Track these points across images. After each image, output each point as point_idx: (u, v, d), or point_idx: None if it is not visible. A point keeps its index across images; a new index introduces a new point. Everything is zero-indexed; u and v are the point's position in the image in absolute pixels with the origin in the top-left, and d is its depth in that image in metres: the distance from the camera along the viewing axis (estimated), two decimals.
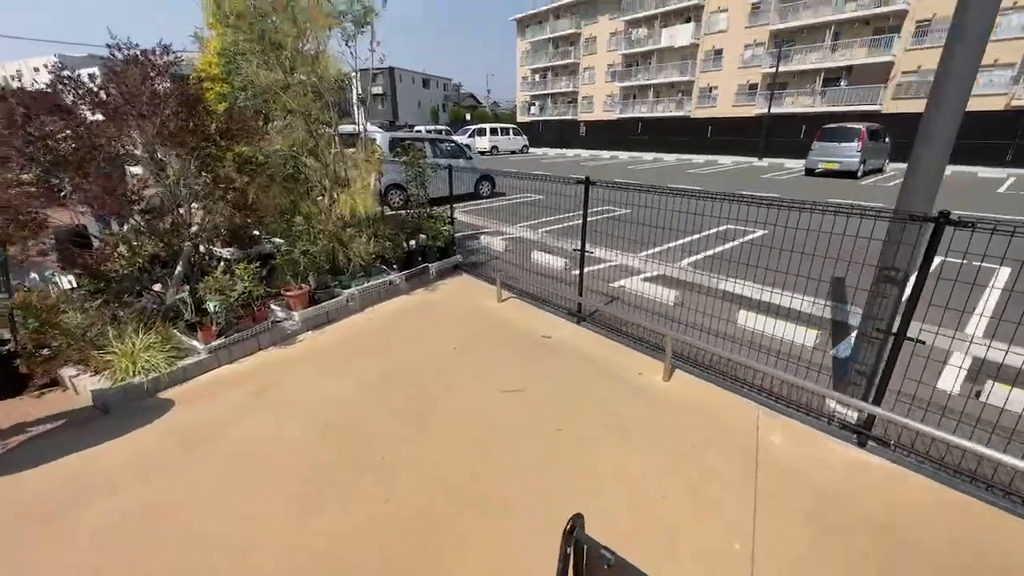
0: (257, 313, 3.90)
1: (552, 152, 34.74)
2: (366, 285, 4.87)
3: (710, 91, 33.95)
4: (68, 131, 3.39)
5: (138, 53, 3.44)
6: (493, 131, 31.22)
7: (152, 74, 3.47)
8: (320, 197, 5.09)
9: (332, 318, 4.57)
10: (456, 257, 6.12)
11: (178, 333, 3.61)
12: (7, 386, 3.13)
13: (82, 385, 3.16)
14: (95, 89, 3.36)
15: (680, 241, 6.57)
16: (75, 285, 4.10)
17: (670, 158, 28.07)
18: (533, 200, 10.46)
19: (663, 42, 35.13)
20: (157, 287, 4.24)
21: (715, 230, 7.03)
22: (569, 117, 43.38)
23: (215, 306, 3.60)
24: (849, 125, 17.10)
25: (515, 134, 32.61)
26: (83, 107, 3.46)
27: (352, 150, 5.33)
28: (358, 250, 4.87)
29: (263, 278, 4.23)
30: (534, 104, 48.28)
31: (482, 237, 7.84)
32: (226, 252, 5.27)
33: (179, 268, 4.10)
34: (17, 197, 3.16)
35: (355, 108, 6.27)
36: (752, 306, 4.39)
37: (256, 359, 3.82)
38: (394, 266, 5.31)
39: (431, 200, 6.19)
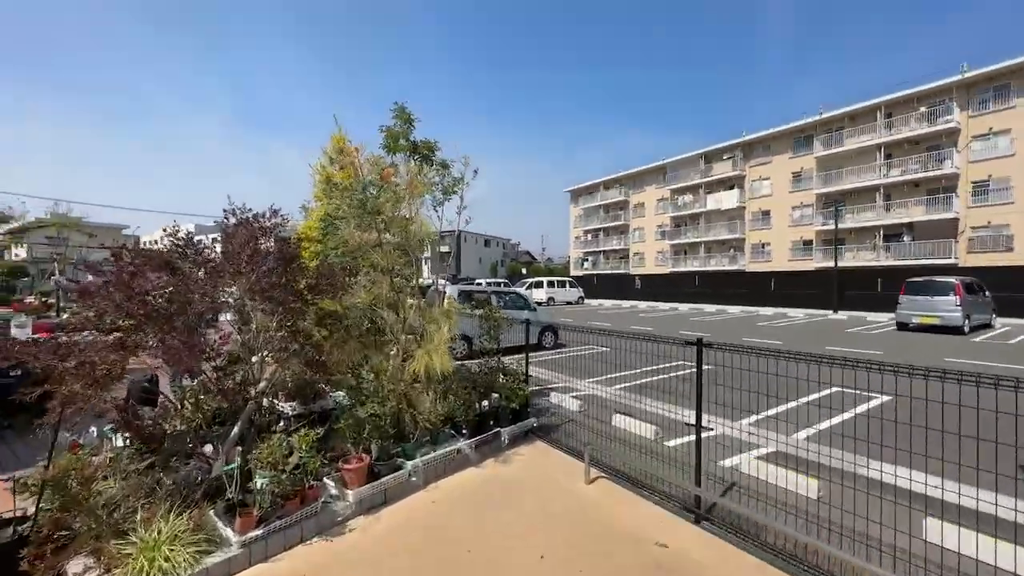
0: (308, 491, 3.27)
1: (608, 303, 35.27)
2: (432, 455, 4.18)
3: (763, 247, 34.56)
4: (170, 287, 3.42)
5: (249, 216, 3.60)
6: (550, 283, 32.61)
7: (258, 234, 3.58)
8: (393, 351, 4.80)
9: (390, 496, 3.82)
10: (531, 421, 5.38)
11: (214, 517, 2.99)
12: None
13: None
14: (200, 247, 3.46)
15: (781, 408, 5.51)
16: (126, 443, 3.76)
17: (734, 310, 27.30)
18: (599, 352, 9.88)
19: (709, 206, 37.50)
20: (208, 449, 3.80)
21: (818, 395, 5.93)
22: (622, 271, 45.11)
23: (264, 483, 3.02)
24: (939, 279, 16.02)
25: (571, 286, 33.82)
26: (188, 265, 3.55)
27: (416, 301, 5.21)
28: (427, 411, 4.33)
29: (321, 444, 3.70)
30: (587, 259, 51.17)
31: (551, 394, 7.14)
32: (288, 407, 4.91)
33: (236, 428, 3.69)
34: (99, 352, 3.02)
35: (424, 263, 6.42)
36: (941, 511, 3.18)
37: (295, 557, 3.04)
38: (463, 431, 4.64)
39: (483, 351, 5.78)
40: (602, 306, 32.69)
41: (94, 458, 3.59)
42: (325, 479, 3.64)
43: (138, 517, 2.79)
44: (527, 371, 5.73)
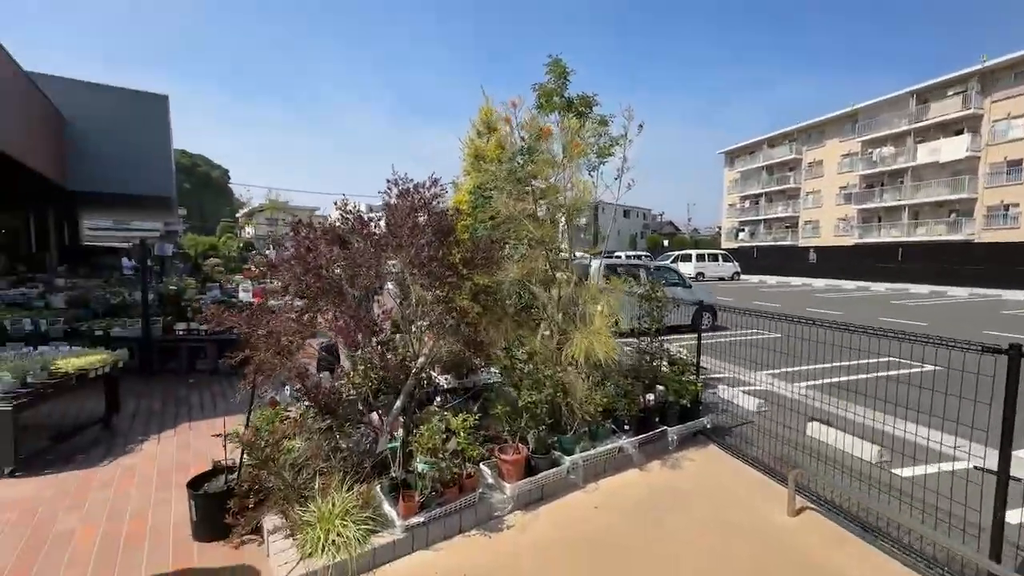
0: (466, 480, 3.07)
1: (771, 280, 30.45)
2: (592, 452, 3.71)
3: (1006, 210, 26.07)
4: (341, 261, 3.48)
5: (410, 186, 3.45)
6: (699, 257, 29.53)
7: (418, 205, 3.41)
8: (547, 332, 4.41)
9: (546, 493, 3.47)
10: (702, 421, 4.56)
11: (380, 494, 2.97)
12: (217, 526, 2.83)
13: (273, 551, 2.65)
14: (365, 219, 3.42)
15: None
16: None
17: (958, 292, 21.12)
18: (769, 339, 8.22)
19: (921, 158, 29.52)
20: (374, 417, 3.91)
21: None
22: (788, 243, 38.82)
23: (425, 467, 2.89)
24: None
25: (724, 260, 30.15)
26: (356, 239, 3.57)
27: (569, 276, 4.66)
28: (584, 400, 3.85)
29: (478, 429, 3.49)
30: (743, 229, 45.26)
31: (719, 386, 6.09)
32: (443, 380, 4.93)
33: (398, 402, 3.70)
34: (283, 323, 3.18)
35: (566, 235, 5.84)
36: None
37: (454, 550, 2.87)
38: (626, 427, 4.07)
39: (642, 332, 4.97)
40: (763, 283, 28.48)
41: (289, 412, 3.96)
42: (481, 464, 3.44)
43: (316, 485, 2.87)
44: (699, 361, 4.85)
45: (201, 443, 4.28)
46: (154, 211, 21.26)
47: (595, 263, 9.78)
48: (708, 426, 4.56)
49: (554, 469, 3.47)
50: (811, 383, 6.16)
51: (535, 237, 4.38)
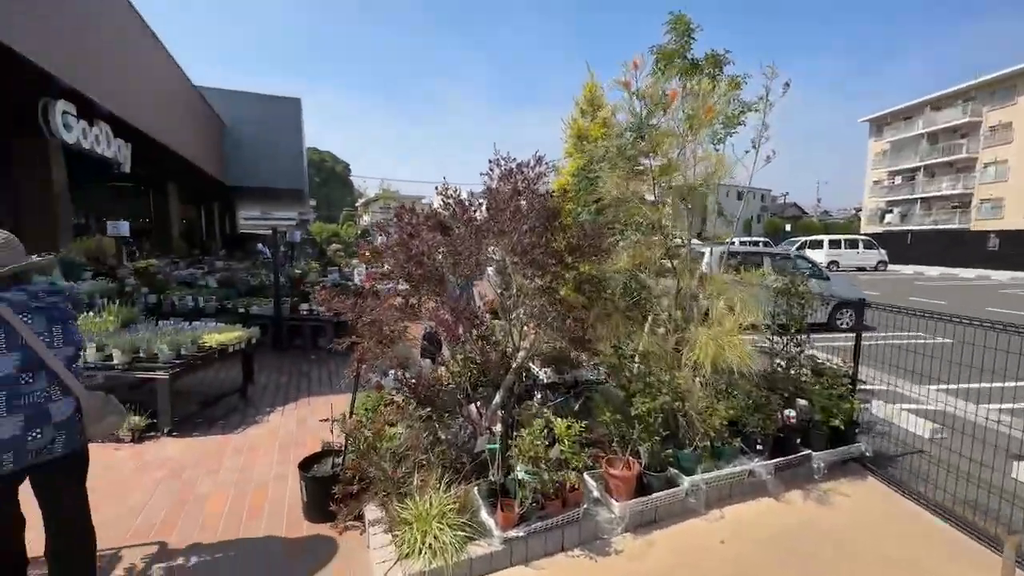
0: (569, 494, 2.75)
1: (932, 271, 25.19)
2: (717, 474, 3.16)
3: None
4: (442, 248, 3.34)
5: (512, 167, 3.16)
6: (833, 243, 25.55)
7: (521, 187, 3.12)
8: (661, 330, 3.89)
9: (661, 516, 3.03)
10: (859, 446, 3.70)
11: (478, 498, 2.78)
12: (324, 509, 2.88)
13: (373, 544, 2.60)
14: (466, 205, 3.21)
15: None
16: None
17: None
18: (932, 345, 6.56)
19: None
20: (472, 410, 3.78)
21: None
22: (956, 225, 32.05)
23: (526, 476, 2.63)
24: None
25: (866, 247, 25.72)
26: (458, 225, 3.40)
27: (687, 266, 4.02)
28: (706, 411, 3.29)
29: (580, 433, 3.15)
30: (890, 211, 38.35)
31: (872, 401, 4.99)
32: (543, 374, 4.66)
33: (498, 397, 3.51)
34: (385, 312, 3.13)
35: (687, 219, 5.09)
36: None
37: (558, 567, 2.59)
38: (758, 447, 3.42)
39: (779, 330, 4.12)
40: (920, 275, 23.72)
41: (393, 396, 4.00)
42: (585, 474, 3.11)
43: (415, 480, 2.77)
44: (856, 372, 3.96)
45: (315, 420, 4.54)
46: (290, 202, 24.16)
47: (715, 250, 8.75)
48: (868, 454, 3.69)
49: (671, 490, 3.00)
50: (1006, 406, 4.76)
51: (649, 221, 3.85)
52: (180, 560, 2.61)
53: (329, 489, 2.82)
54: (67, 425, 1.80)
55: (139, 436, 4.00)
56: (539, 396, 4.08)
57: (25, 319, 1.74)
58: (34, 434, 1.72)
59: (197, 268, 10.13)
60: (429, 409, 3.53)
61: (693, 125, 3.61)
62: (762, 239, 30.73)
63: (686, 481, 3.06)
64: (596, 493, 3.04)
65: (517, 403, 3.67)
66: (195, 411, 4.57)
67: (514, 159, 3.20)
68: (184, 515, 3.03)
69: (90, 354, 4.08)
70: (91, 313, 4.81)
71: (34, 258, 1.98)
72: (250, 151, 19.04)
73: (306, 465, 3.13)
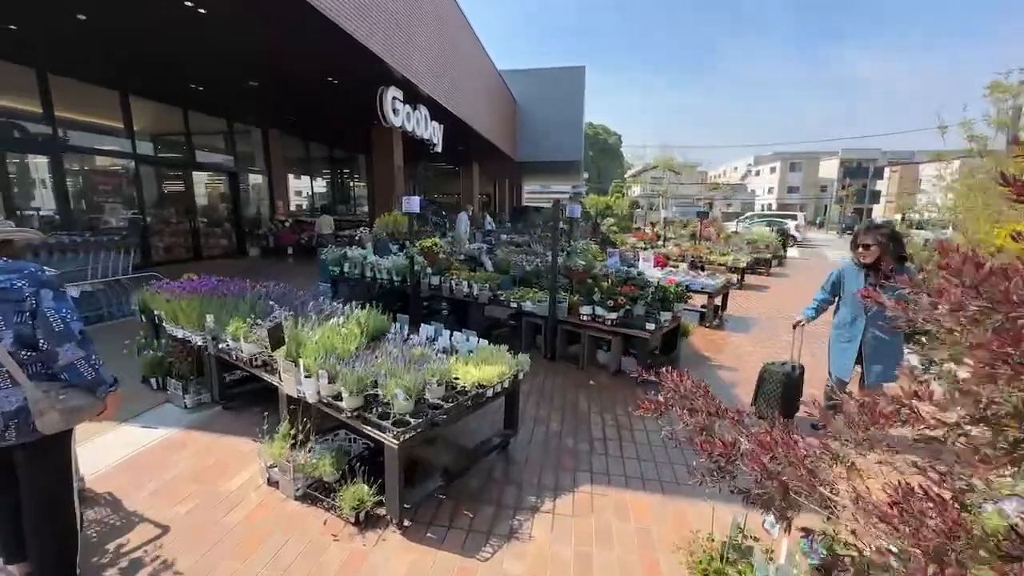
0: None
1: None
2: None
3: None
4: None
5: None
6: None
7: None
8: None
9: None
10: None
11: None
12: None
13: None
14: None
15: None
16: None
17: None
18: None
19: None
20: None
21: None
22: None
23: None
24: None
25: None
26: None
27: None
28: None
29: None
30: None
31: None
32: None
33: None
34: None
35: None
36: None
37: None
38: None
39: None
40: None
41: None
42: None
43: None
44: None
45: (623, 538, 2.34)
46: (565, 175, 25.07)
47: None
48: None
49: None
50: None
51: None
52: None
53: None
54: (18, 415, 1.70)
55: (364, 517, 2.39)
56: None
57: None
58: None
59: (485, 239, 10.64)
60: None
61: None
62: None
63: None
64: None
65: None
66: (438, 487, 2.65)
67: None
68: None
69: (323, 387, 2.46)
70: (339, 321, 3.18)
71: (11, 225, 1.82)
72: (536, 127, 20.13)
73: None
